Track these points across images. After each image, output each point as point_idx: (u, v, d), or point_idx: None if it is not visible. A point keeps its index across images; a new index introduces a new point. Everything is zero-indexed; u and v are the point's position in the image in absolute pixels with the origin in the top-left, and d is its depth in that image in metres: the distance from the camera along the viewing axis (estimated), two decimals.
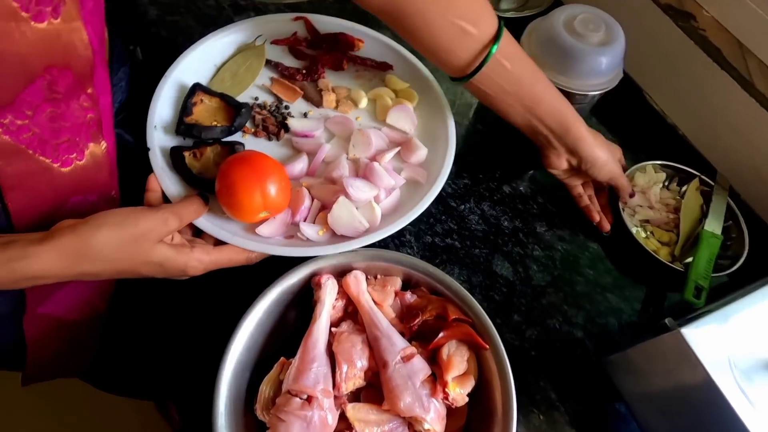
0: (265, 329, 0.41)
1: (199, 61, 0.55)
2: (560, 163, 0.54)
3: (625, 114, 0.70)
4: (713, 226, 0.54)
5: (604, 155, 0.52)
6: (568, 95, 0.56)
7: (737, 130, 0.63)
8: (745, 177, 0.63)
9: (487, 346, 0.40)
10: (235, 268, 0.45)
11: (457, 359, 0.40)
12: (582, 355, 0.51)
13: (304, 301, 0.44)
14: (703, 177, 0.58)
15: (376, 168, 0.49)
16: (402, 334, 0.43)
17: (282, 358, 0.40)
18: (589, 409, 0.48)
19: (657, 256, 0.53)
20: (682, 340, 0.38)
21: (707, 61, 0.64)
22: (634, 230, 0.56)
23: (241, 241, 0.44)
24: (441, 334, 0.41)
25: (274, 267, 0.44)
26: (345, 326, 0.42)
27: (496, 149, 0.65)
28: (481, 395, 0.41)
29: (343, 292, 0.43)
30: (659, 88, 0.71)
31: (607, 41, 0.53)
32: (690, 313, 0.41)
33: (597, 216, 0.56)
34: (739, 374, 0.37)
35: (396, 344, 0.40)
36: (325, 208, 0.48)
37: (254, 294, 0.41)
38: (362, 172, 0.51)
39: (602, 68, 0.54)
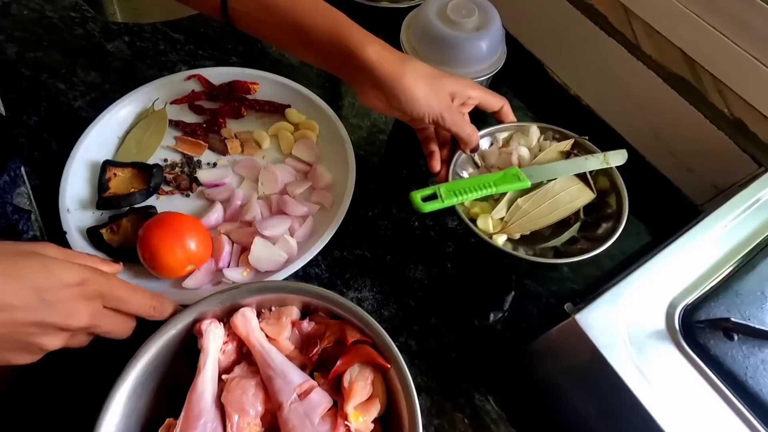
0: (149, 389, 0.38)
1: (102, 136, 0.56)
2: (370, 100, 0.45)
3: (534, 90, 0.70)
4: (531, 173, 0.48)
5: (419, 92, 0.43)
6: None
7: (631, 93, 0.63)
8: (645, 139, 0.64)
9: (389, 365, 0.38)
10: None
11: (360, 384, 0.38)
12: (503, 348, 0.50)
13: (196, 349, 0.41)
14: (580, 139, 0.53)
15: (287, 200, 0.53)
16: (304, 366, 0.40)
17: (168, 419, 0.37)
18: (515, 402, 0.47)
19: (463, 212, 0.48)
20: (576, 326, 0.37)
21: (594, 29, 0.64)
22: None
23: (171, 298, 0.45)
24: (339, 361, 0.39)
25: None
26: (238, 370, 0.39)
27: (399, 148, 0.63)
28: (391, 416, 0.39)
29: (233, 334, 0.40)
30: (557, 62, 0.71)
31: (483, 25, 0.52)
32: (588, 297, 0.40)
33: (437, 165, 0.50)
34: (634, 351, 0.36)
35: (292, 381, 0.37)
36: (246, 249, 0.50)
37: None
38: (275, 206, 0.54)
39: (483, 53, 0.53)
